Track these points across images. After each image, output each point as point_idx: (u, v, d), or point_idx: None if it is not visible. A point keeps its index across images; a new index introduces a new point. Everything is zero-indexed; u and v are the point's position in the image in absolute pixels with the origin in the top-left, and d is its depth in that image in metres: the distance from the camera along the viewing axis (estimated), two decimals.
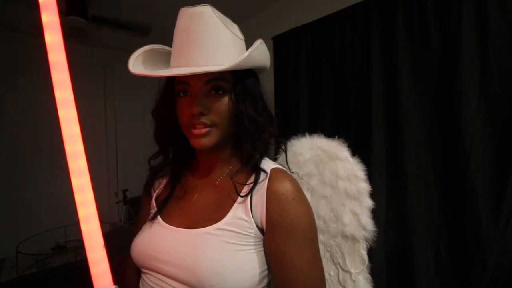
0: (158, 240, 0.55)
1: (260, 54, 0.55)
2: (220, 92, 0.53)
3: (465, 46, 1.00)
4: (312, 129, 1.50)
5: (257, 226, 0.51)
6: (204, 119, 0.51)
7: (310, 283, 0.50)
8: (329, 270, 0.66)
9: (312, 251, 0.51)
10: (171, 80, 0.57)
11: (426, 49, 1.11)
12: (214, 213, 0.53)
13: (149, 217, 0.60)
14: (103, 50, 3.06)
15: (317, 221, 0.63)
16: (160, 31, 1.98)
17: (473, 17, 1.00)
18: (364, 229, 0.63)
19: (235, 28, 0.58)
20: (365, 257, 0.63)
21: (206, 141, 0.52)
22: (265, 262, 0.52)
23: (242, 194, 0.52)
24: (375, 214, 0.64)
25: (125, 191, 2.52)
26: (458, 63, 1.01)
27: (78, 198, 0.31)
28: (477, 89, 0.99)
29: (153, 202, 0.63)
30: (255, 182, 0.53)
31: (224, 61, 0.50)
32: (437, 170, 1.09)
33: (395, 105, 1.18)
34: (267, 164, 0.56)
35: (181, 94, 0.54)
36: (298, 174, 0.66)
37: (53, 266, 2.29)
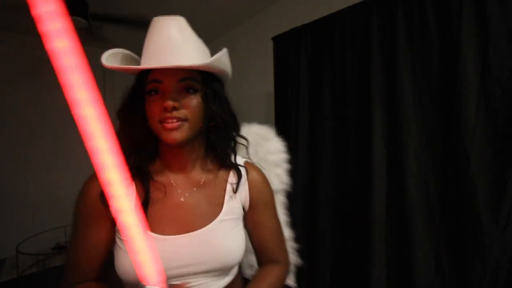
0: (167, 253, 0.55)
1: (227, 60, 0.61)
2: (191, 91, 0.56)
3: (465, 46, 1.00)
4: (312, 129, 1.51)
5: (242, 208, 0.67)
6: (176, 113, 0.53)
7: (280, 235, 0.73)
8: None
9: (277, 214, 0.73)
10: (140, 80, 0.58)
11: (426, 49, 1.11)
12: (209, 210, 0.62)
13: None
14: (103, 50, 3.05)
15: None
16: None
17: (473, 17, 0.99)
18: (283, 183, 0.90)
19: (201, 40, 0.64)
20: (283, 200, 0.91)
21: (178, 135, 0.54)
22: None
23: (236, 191, 0.65)
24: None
25: None
26: (458, 63, 1.01)
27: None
28: (477, 89, 0.99)
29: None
30: (239, 178, 0.66)
31: (196, 62, 0.55)
32: (437, 170, 1.09)
33: (395, 105, 1.18)
34: (239, 159, 0.69)
35: (153, 93, 0.56)
36: (260, 164, 0.79)
37: (53, 266, 2.29)
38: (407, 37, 1.15)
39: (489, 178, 0.97)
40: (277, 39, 1.78)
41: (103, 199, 0.55)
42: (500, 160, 0.95)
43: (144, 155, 0.61)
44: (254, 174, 0.69)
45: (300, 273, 1.47)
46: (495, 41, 0.95)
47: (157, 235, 0.56)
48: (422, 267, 1.08)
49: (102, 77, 3.13)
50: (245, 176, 0.67)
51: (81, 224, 0.59)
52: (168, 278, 0.55)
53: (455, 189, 1.03)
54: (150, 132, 0.58)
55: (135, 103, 0.59)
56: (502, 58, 0.95)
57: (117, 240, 0.58)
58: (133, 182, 0.59)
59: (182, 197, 0.61)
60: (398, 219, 1.16)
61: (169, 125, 0.53)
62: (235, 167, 0.67)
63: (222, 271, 0.60)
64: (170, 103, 0.52)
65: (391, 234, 1.18)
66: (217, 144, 0.64)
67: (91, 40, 2.69)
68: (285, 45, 1.70)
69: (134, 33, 2.09)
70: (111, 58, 0.59)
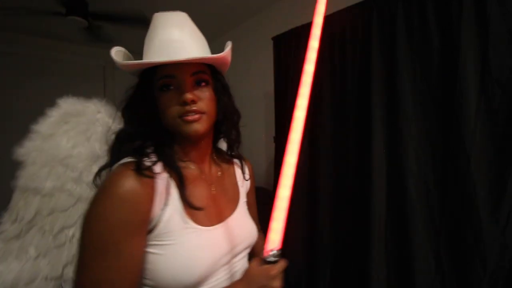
0: (217, 242, 0.57)
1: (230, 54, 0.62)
2: (203, 84, 0.57)
3: (465, 46, 1.00)
4: (312, 129, 1.51)
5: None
6: (195, 107, 0.54)
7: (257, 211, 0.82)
8: None
9: None
10: (147, 77, 0.56)
11: (426, 49, 1.11)
12: (232, 197, 0.68)
13: (184, 227, 0.52)
14: (103, 50, 3.06)
15: None
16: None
17: (473, 17, 0.99)
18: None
19: None
20: None
21: (199, 127, 0.54)
22: None
23: (246, 178, 0.75)
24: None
25: None
26: (458, 63, 1.01)
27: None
28: (477, 89, 0.99)
29: (180, 208, 0.52)
30: (243, 167, 0.76)
31: (208, 55, 0.58)
32: (437, 170, 1.09)
33: (395, 105, 1.18)
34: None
35: (165, 89, 0.55)
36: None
37: None
38: (407, 37, 1.15)
39: (489, 178, 0.97)
40: (277, 39, 1.78)
41: (147, 196, 0.48)
42: (500, 160, 0.95)
43: (162, 150, 0.57)
44: (248, 163, 0.79)
45: (300, 273, 1.47)
46: (495, 41, 0.95)
47: (204, 227, 0.54)
48: (422, 267, 1.08)
49: (102, 77, 3.13)
50: (245, 165, 0.77)
51: (116, 237, 0.44)
52: (221, 266, 0.55)
53: (455, 189, 1.03)
54: (162, 128, 0.57)
55: (143, 100, 0.57)
56: (502, 58, 0.95)
57: (152, 249, 0.50)
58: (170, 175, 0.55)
59: (213, 188, 0.64)
60: (398, 219, 1.16)
61: (190, 118, 0.53)
62: (239, 157, 0.74)
63: (250, 247, 0.67)
64: (189, 96, 0.52)
65: (391, 234, 1.18)
66: (227, 135, 0.67)
67: (91, 40, 2.69)
68: (285, 45, 1.70)
69: (134, 32, 2.09)
70: (116, 56, 0.58)
